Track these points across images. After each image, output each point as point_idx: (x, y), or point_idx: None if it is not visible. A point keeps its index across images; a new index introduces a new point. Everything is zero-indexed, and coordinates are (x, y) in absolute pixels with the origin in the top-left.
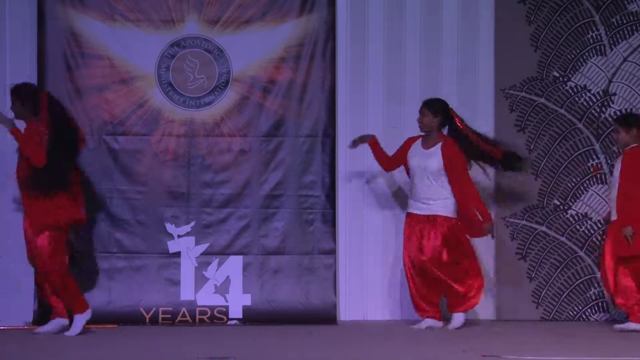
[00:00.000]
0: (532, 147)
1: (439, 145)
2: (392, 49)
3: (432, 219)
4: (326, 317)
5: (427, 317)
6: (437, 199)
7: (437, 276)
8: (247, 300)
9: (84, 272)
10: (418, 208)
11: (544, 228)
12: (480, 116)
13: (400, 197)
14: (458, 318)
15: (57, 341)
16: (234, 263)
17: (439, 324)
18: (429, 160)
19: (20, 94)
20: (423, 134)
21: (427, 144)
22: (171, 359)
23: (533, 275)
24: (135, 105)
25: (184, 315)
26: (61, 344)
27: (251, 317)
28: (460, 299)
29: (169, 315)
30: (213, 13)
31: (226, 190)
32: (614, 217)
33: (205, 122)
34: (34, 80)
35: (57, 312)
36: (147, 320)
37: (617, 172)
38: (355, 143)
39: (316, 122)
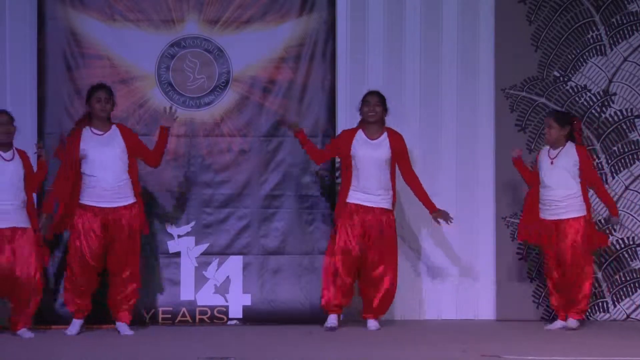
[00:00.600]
0: (532, 147)
1: (385, 135)
2: (392, 48)
3: (371, 210)
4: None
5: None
6: (385, 190)
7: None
8: (247, 300)
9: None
10: (364, 200)
11: None
12: (481, 116)
13: (398, 198)
14: (372, 324)
15: (57, 341)
16: (234, 263)
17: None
18: (378, 151)
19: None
20: (372, 121)
21: (372, 134)
22: (171, 359)
23: (533, 276)
24: (135, 105)
25: (184, 315)
26: (61, 344)
27: (251, 317)
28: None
29: (169, 315)
30: (213, 13)
31: (226, 190)
32: (567, 216)
33: (205, 122)
34: (34, 80)
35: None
36: (147, 320)
37: (550, 171)
38: (286, 125)
39: (316, 122)
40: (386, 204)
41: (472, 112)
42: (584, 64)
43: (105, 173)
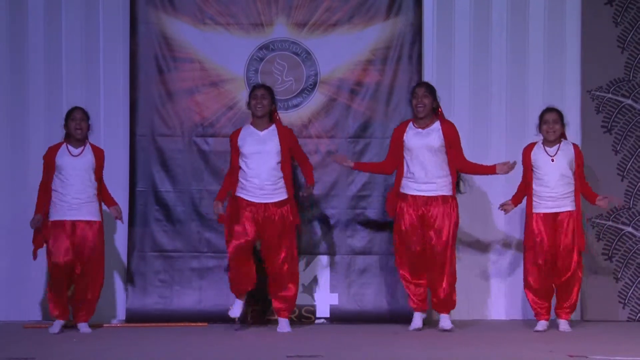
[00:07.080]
0: (618, 148)
1: (437, 123)
2: (478, 50)
3: (432, 200)
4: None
5: (419, 311)
6: (439, 177)
7: (440, 260)
8: (334, 299)
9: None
10: (419, 189)
11: (630, 229)
12: (567, 117)
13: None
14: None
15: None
16: (322, 263)
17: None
18: (429, 138)
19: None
20: (421, 116)
21: (422, 125)
22: (261, 357)
23: (619, 276)
24: (225, 107)
25: (272, 314)
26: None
27: (338, 317)
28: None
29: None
30: (301, 16)
31: (314, 191)
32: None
33: (293, 124)
34: (126, 82)
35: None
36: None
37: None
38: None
39: None
40: (446, 191)
41: None
42: None
43: (259, 169)
